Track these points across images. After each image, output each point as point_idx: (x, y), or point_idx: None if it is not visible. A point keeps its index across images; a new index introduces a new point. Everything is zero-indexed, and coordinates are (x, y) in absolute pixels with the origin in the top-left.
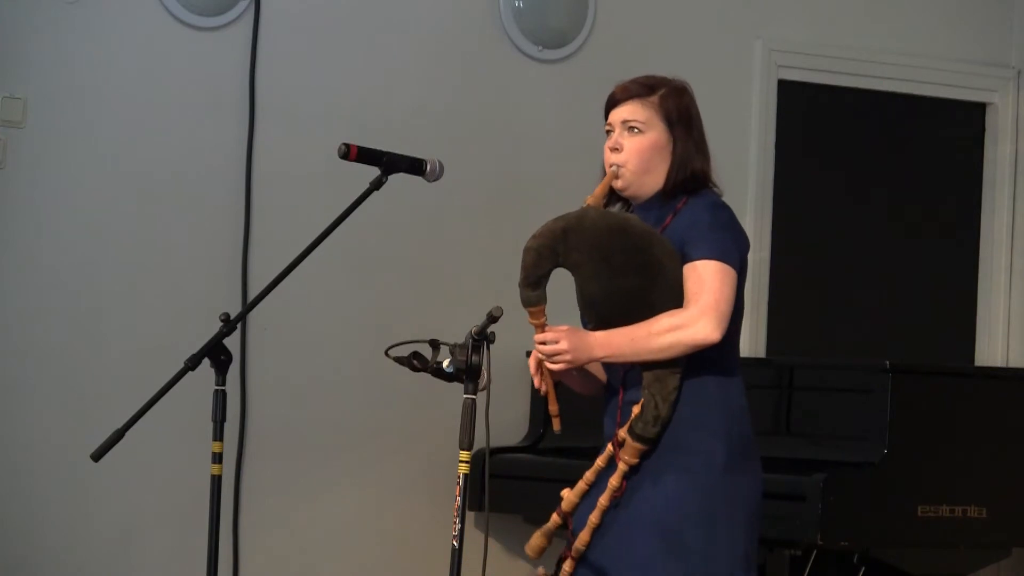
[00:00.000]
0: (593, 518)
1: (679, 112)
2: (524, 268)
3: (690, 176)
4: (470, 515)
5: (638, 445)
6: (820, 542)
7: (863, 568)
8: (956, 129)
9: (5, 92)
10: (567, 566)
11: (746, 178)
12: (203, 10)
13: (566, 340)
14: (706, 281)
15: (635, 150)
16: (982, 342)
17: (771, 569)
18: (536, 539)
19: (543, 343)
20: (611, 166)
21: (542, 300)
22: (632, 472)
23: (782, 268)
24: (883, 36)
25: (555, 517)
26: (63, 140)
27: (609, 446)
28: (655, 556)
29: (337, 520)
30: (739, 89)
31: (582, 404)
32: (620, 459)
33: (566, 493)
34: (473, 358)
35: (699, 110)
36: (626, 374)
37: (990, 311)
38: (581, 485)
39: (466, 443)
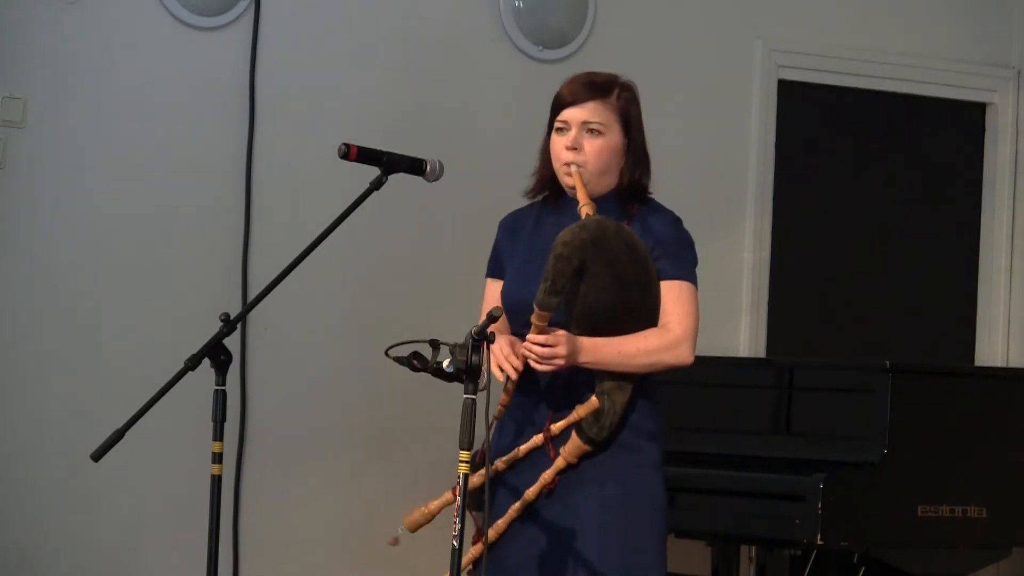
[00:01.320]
0: (515, 508)
1: (634, 113)
2: (554, 274)
3: (637, 180)
4: (470, 515)
5: (586, 447)
6: (820, 542)
7: (863, 568)
8: (956, 129)
9: (5, 92)
10: (474, 550)
11: (746, 178)
12: (203, 10)
13: (564, 346)
14: (684, 304)
15: (595, 152)
16: (982, 342)
17: (771, 569)
18: (418, 515)
19: (543, 345)
20: (568, 164)
21: (558, 305)
22: (567, 469)
23: (782, 268)
24: (883, 36)
25: (448, 495)
26: (63, 140)
27: (537, 437)
28: (592, 551)
29: (337, 520)
30: (739, 89)
31: None
32: (561, 456)
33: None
34: (473, 358)
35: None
36: (575, 371)
37: (990, 311)
38: (491, 470)
39: (466, 443)
